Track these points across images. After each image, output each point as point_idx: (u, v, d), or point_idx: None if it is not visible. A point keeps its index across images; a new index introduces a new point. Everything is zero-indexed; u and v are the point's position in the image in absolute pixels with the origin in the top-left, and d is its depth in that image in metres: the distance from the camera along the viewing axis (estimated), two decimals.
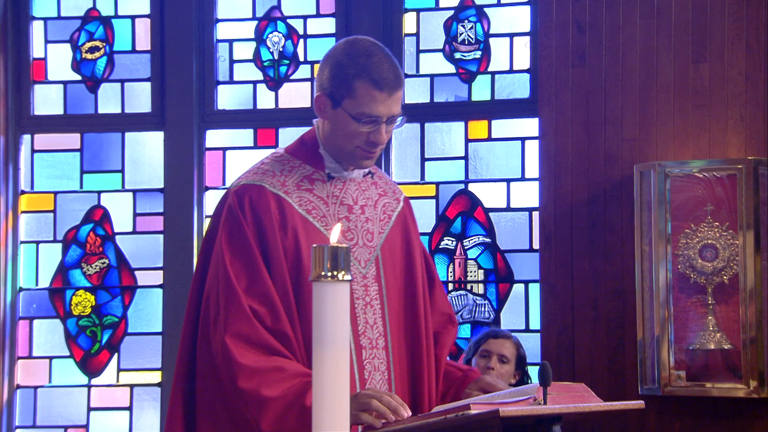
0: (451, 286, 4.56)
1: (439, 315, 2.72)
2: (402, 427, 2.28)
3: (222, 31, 4.84)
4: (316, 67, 4.73)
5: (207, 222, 4.78)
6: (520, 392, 2.34)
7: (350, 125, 2.52)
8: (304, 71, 4.78)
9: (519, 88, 4.60)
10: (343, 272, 1.47)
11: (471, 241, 4.56)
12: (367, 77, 2.50)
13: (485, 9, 4.63)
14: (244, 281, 2.44)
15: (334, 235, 1.54)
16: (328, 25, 4.75)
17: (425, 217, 4.52)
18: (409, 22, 4.66)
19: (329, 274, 1.47)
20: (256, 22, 4.81)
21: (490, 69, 4.62)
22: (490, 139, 4.62)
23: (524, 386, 2.46)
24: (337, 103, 2.52)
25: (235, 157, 4.82)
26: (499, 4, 4.64)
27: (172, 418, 2.53)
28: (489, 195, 4.59)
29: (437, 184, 4.62)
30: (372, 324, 2.57)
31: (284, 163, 2.62)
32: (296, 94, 4.79)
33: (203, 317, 2.47)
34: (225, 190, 4.73)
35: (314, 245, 1.47)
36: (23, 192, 4.89)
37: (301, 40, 4.78)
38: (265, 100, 4.81)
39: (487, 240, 4.57)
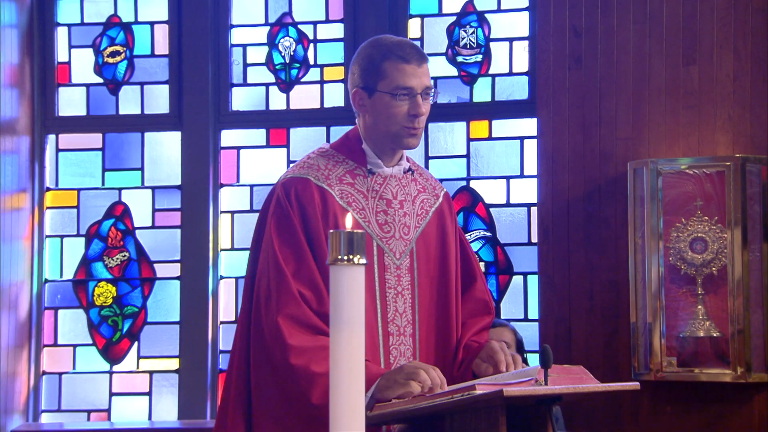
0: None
1: (474, 302, 2.75)
2: (412, 407, 2.30)
3: (236, 36, 4.84)
4: (326, 70, 4.85)
5: (222, 217, 4.81)
6: (523, 374, 2.36)
7: (389, 105, 2.58)
8: (314, 74, 4.78)
9: (518, 89, 4.60)
10: (358, 256, 1.48)
11: (472, 235, 4.55)
12: (393, 56, 2.59)
13: (486, 15, 4.63)
14: (292, 266, 2.50)
15: (348, 223, 1.55)
16: (337, 30, 4.76)
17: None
18: (413, 28, 4.67)
19: (345, 258, 1.48)
20: (268, 28, 4.82)
21: (490, 72, 4.62)
22: (490, 138, 4.62)
23: (526, 368, 2.47)
24: (372, 91, 2.60)
25: (248, 156, 4.82)
26: (499, 10, 4.63)
27: (226, 395, 2.57)
28: (489, 191, 4.59)
29: (440, 181, 4.59)
30: (402, 312, 2.61)
31: (329, 157, 2.67)
32: (307, 96, 4.79)
33: (255, 299, 2.52)
34: (240, 187, 4.83)
35: (331, 231, 1.49)
36: (48, 189, 4.89)
37: (311, 45, 4.78)
38: (277, 101, 4.81)
39: (488, 234, 4.57)
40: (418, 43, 4.63)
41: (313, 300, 2.48)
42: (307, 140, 4.76)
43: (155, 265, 4.83)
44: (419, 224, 2.69)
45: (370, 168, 2.66)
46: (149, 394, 4.79)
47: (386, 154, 2.67)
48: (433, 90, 2.64)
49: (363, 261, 1.50)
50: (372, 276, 2.60)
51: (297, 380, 2.41)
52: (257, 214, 4.70)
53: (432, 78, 4.50)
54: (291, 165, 2.78)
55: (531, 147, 4.51)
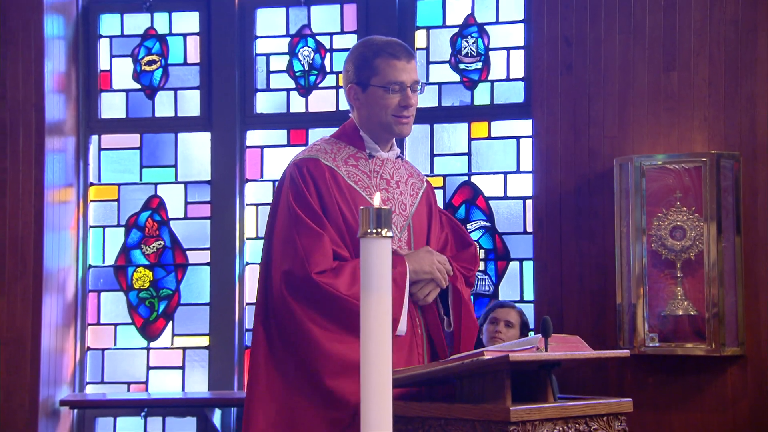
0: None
1: (469, 256, 2.82)
2: (427, 371, 2.32)
3: (260, 46, 4.84)
4: (341, 76, 4.83)
5: (248, 209, 4.81)
6: (525, 342, 2.39)
7: (382, 98, 2.59)
8: (330, 80, 4.78)
9: (515, 94, 4.58)
10: (385, 230, 1.50)
11: (473, 225, 4.55)
12: (384, 53, 2.61)
13: (485, 26, 4.62)
14: (317, 227, 2.52)
15: (377, 200, 1.57)
16: (351, 40, 4.72)
17: None
18: (420, 38, 4.67)
19: (374, 231, 1.50)
20: (289, 39, 4.81)
21: (489, 78, 4.61)
22: (489, 138, 4.60)
23: (528, 337, 2.50)
24: (365, 86, 2.61)
25: (271, 154, 4.82)
26: (497, 22, 4.62)
27: (255, 342, 2.57)
28: (489, 186, 4.59)
29: (444, 176, 4.62)
30: None
31: (332, 144, 2.69)
32: (324, 100, 4.79)
33: (288, 254, 2.49)
34: (263, 182, 4.84)
35: (362, 207, 1.51)
36: (92, 184, 4.90)
37: (328, 54, 4.77)
38: (297, 105, 4.80)
39: (487, 224, 4.56)
40: (423, 53, 4.69)
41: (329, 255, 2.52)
42: None
43: (187, 252, 4.84)
44: (413, 203, 2.73)
45: (369, 152, 2.67)
46: (182, 368, 4.80)
47: (381, 142, 2.69)
48: (420, 83, 2.66)
49: (390, 234, 1.51)
50: None
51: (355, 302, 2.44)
52: None
53: (436, 83, 4.66)
54: (301, 151, 2.75)
55: (526, 145, 4.49)
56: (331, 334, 2.44)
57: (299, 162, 2.62)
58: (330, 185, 2.57)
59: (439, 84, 4.65)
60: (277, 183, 2.69)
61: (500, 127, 4.60)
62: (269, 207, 2.71)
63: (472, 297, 4.53)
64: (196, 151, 4.89)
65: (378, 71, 2.59)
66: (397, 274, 2.49)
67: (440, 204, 4.58)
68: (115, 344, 4.85)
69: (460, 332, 2.62)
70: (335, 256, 2.51)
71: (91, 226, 4.89)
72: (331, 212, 2.55)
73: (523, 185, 4.53)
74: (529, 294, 4.45)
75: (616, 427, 2.35)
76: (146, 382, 4.82)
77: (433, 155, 4.65)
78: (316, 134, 4.76)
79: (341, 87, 4.78)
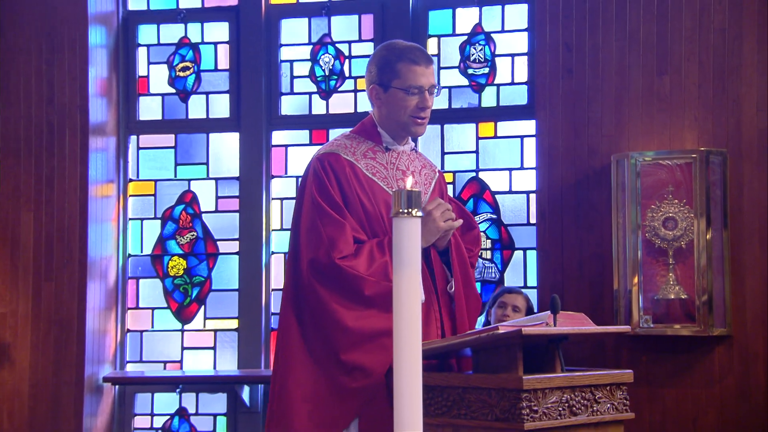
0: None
1: (473, 238, 2.82)
2: (445, 344, 2.33)
3: (284, 53, 4.84)
4: (359, 81, 4.84)
5: (273, 203, 4.80)
6: (535, 318, 2.39)
7: (402, 99, 2.59)
8: (349, 84, 4.77)
9: (519, 96, 4.57)
10: (416, 210, 1.51)
11: (481, 217, 4.54)
12: (406, 58, 2.60)
13: (492, 34, 4.60)
14: (334, 214, 2.53)
15: (409, 183, 1.58)
16: (368, 48, 4.73)
17: None
18: (431, 45, 4.66)
19: (405, 211, 1.51)
20: (311, 46, 4.81)
21: (495, 81, 4.59)
22: (496, 137, 4.58)
23: (538, 314, 2.50)
24: (387, 87, 2.60)
25: (294, 153, 4.81)
26: (503, 31, 4.61)
27: (285, 322, 2.57)
28: (495, 181, 4.57)
29: (454, 172, 4.61)
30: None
31: (352, 139, 2.70)
32: (343, 103, 4.78)
33: (313, 242, 2.51)
34: (287, 178, 4.85)
35: (394, 190, 1.52)
36: (131, 180, 4.92)
37: (347, 60, 4.77)
38: (318, 107, 4.80)
39: (494, 216, 4.55)
40: (435, 59, 4.69)
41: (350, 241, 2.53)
42: None
43: (218, 242, 4.83)
44: (427, 191, 2.74)
45: (386, 146, 2.68)
46: (214, 348, 4.81)
47: (397, 138, 2.70)
48: (437, 87, 2.67)
49: (419, 214, 1.53)
50: None
51: (378, 280, 2.47)
52: None
53: (446, 87, 4.66)
54: (322, 146, 2.76)
55: (530, 144, 4.48)
56: (352, 312, 2.46)
57: (321, 157, 2.62)
58: (350, 177, 2.58)
59: (449, 88, 4.64)
60: (301, 176, 2.69)
61: (505, 127, 4.59)
62: (294, 199, 2.73)
63: (479, 284, 4.60)
64: (225, 150, 4.89)
65: (399, 75, 2.59)
66: None
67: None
68: (152, 327, 4.86)
69: (460, 289, 2.63)
70: (355, 241, 2.53)
71: (130, 219, 4.90)
72: (352, 202, 2.56)
73: (527, 180, 4.51)
74: (532, 280, 4.44)
75: (618, 396, 2.36)
76: (181, 361, 4.83)
77: (443, 153, 4.64)
78: (336, 134, 4.64)
79: (359, 91, 4.81)
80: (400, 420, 1.49)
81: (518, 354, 2.22)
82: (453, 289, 2.62)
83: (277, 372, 2.59)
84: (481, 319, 4.47)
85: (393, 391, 2.38)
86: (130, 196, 4.92)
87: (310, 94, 4.81)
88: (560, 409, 2.21)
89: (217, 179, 4.87)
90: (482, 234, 4.57)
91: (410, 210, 1.51)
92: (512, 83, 4.59)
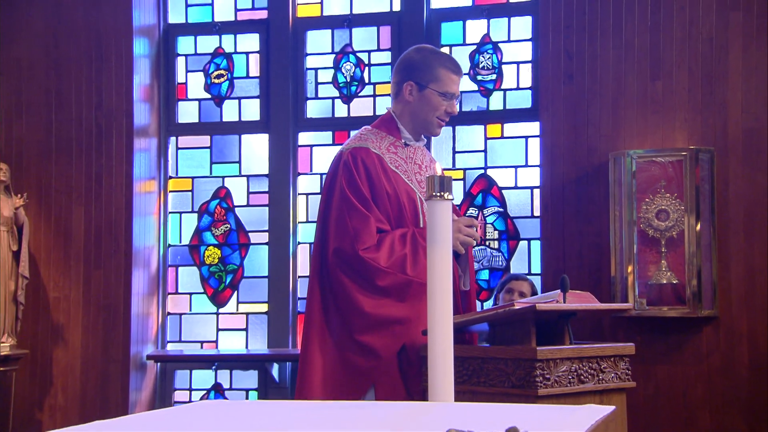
0: (474, 244, 4.55)
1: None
2: (465, 320, 2.35)
3: (310, 61, 4.84)
4: (378, 87, 4.84)
5: (300, 198, 4.80)
6: (547, 296, 2.42)
7: (436, 101, 2.57)
8: (368, 90, 4.77)
9: (524, 100, 4.56)
10: (447, 193, 1.54)
11: (489, 211, 4.54)
12: (447, 66, 2.59)
13: (499, 44, 4.60)
14: (362, 206, 2.53)
15: (438, 169, 1.60)
16: (386, 57, 4.75)
17: (455, 194, 4.49)
18: None
19: (438, 194, 1.54)
20: (334, 55, 4.81)
21: (502, 87, 4.58)
22: (502, 137, 4.58)
23: (550, 292, 2.52)
24: (423, 87, 2.56)
25: (319, 152, 4.81)
26: (509, 40, 4.60)
27: (311, 304, 2.57)
28: (502, 177, 4.56)
29: (464, 170, 4.60)
30: None
31: (375, 134, 2.67)
32: (363, 107, 4.78)
33: (339, 232, 2.51)
34: (312, 175, 4.84)
35: (428, 175, 1.55)
36: (170, 177, 4.93)
37: (367, 68, 4.77)
38: (340, 111, 4.80)
39: (501, 210, 4.54)
40: None
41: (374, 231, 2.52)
42: None
43: (250, 233, 4.84)
44: None
45: (405, 141, 2.65)
46: (246, 329, 4.82)
47: (415, 134, 2.67)
48: (459, 96, 2.68)
49: (450, 197, 1.56)
50: (417, 214, 2.61)
51: (397, 271, 2.47)
52: None
53: None
54: (348, 139, 2.70)
55: (534, 144, 4.47)
56: (370, 300, 2.45)
57: (353, 150, 2.59)
58: (378, 170, 2.56)
59: (460, 92, 4.64)
60: (331, 165, 2.66)
61: (511, 128, 4.57)
62: (323, 188, 2.67)
63: (487, 271, 4.61)
64: (256, 150, 4.90)
65: (438, 79, 2.56)
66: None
67: (460, 193, 4.64)
68: (190, 310, 4.88)
69: (472, 289, 2.65)
70: (379, 231, 2.52)
71: (170, 212, 4.92)
72: (379, 193, 2.55)
73: (531, 177, 4.51)
74: (536, 268, 4.43)
75: (621, 366, 2.39)
76: (216, 341, 4.84)
77: (455, 152, 4.63)
78: None
79: (378, 95, 4.79)
80: (434, 390, 1.50)
81: (532, 328, 2.24)
82: (468, 287, 2.63)
83: (303, 349, 2.62)
84: (490, 303, 4.49)
85: (404, 366, 2.41)
86: (170, 191, 4.93)
87: (333, 98, 4.82)
88: (570, 377, 2.23)
89: (248, 176, 4.88)
90: (490, 225, 4.60)
91: (443, 193, 1.55)
92: (517, 88, 4.58)
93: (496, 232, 4.56)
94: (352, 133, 4.70)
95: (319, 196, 4.68)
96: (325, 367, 2.50)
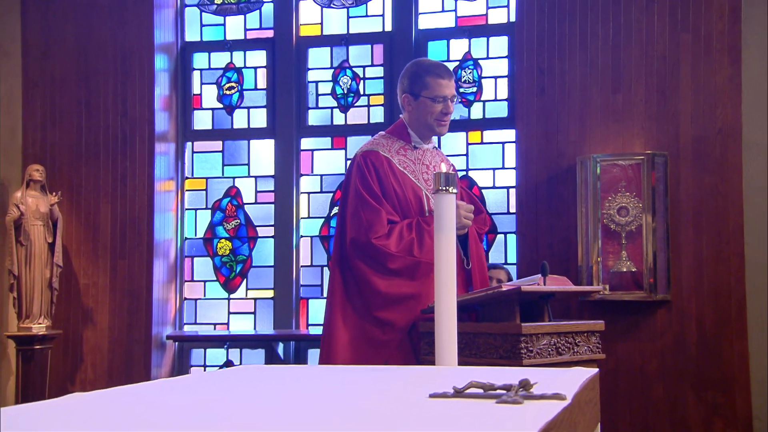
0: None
1: (481, 220, 2.85)
2: (460, 299, 2.39)
3: (311, 75, 4.84)
4: (372, 98, 4.84)
5: (302, 196, 4.80)
6: (530, 280, 2.46)
7: (430, 106, 2.60)
8: (363, 101, 4.76)
9: (501, 110, 4.58)
10: (451, 187, 1.60)
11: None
12: (433, 73, 2.61)
13: (479, 61, 4.61)
14: (374, 202, 2.56)
15: (444, 168, 1.66)
16: (379, 71, 4.76)
17: None
18: None
19: (444, 188, 1.60)
20: (332, 70, 4.82)
21: (482, 98, 4.60)
22: (482, 143, 4.59)
23: (530, 277, 2.57)
24: (417, 96, 2.61)
25: (319, 155, 4.82)
26: (488, 58, 4.61)
27: (333, 286, 2.60)
28: (482, 178, 4.58)
29: None
30: None
31: (387, 138, 2.71)
32: (358, 116, 4.78)
33: (355, 224, 2.55)
34: (313, 176, 4.84)
35: (435, 172, 1.60)
36: (187, 178, 4.93)
37: (362, 81, 4.78)
38: (338, 119, 4.81)
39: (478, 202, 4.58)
40: None
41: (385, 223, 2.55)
42: (358, 145, 4.59)
43: (257, 228, 4.84)
44: None
45: (414, 144, 2.67)
46: (254, 313, 4.82)
47: (423, 137, 2.69)
48: (456, 96, 2.68)
49: (455, 191, 1.62)
50: (423, 208, 2.64)
51: (382, 251, 2.50)
52: (326, 194, 4.77)
53: None
54: (364, 143, 2.75)
55: (510, 148, 4.49)
56: (383, 280, 2.49)
57: (365, 154, 2.63)
58: (386, 171, 2.60)
59: (456, 92, 4.57)
60: (348, 167, 2.71)
61: (490, 135, 4.58)
62: (342, 187, 2.71)
63: (486, 253, 4.63)
64: (263, 153, 4.90)
65: (428, 86, 2.59)
66: (433, 228, 2.54)
67: None
68: (204, 296, 4.88)
69: (476, 267, 2.68)
70: (389, 222, 2.55)
71: (186, 209, 4.92)
72: (388, 191, 2.58)
73: (508, 178, 4.51)
74: (512, 258, 4.46)
75: (593, 341, 2.45)
76: (227, 324, 4.84)
77: None
78: (353, 141, 4.78)
79: (372, 106, 4.79)
80: (440, 356, 1.56)
81: (516, 307, 2.28)
82: (470, 266, 2.66)
83: (326, 323, 2.64)
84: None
85: (415, 339, 2.46)
86: (187, 190, 4.93)
87: (331, 108, 4.82)
88: (549, 349, 2.28)
89: (256, 177, 4.87)
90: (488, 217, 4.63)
91: (448, 188, 1.61)
92: (495, 100, 4.59)
93: None
94: (348, 139, 4.89)
95: (319, 194, 4.81)
96: (351, 340, 2.54)
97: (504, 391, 0.96)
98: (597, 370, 1.27)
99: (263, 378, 1.29)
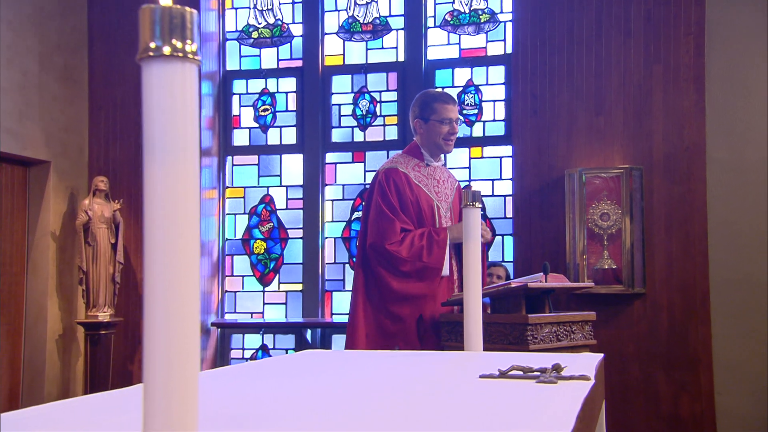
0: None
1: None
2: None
3: (334, 99, 4.87)
4: (387, 118, 4.86)
5: (326, 203, 4.82)
6: (532, 278, 2.51)
7: (438, 128, 2.66)
8: (379, 121, 4.78)
9: (499, 129, 4.59)
10: (477, 203, 1.67)
11: None
12: (440, 100, 2.68)
13: (480, 86, 4.64)
14: (391, 216, 2.59)
15: (463, 185, 1.72)
16: (393, 95, 4.78)
17: None
18: None
19: (471, 203, 1.67)
20: (353, 94, 4.84)
21: (482, 119, 4.62)
22: (483, 157, 4.61)
23: (533, 275, 2.62)
24: (426, 120, 2.67)
25: (341, 168, 4.83)
26: (487, 84, 4.64)
27: (356, 283, 2.65)
28: (482, 188, 4.57)
29: None
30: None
31: (404, 157, 2.76)
32: (375, 134, 4.79)
33: (373, 231, 2.59)
34: (336, 186, 4.85)
35: (462, 188, 1.66)
36: (227, 187, 4.95)
37: (378, 104, 4.80)
38: (358, 136, 4.83)
39: (482, 212, 4.57)
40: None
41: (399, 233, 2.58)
42: (375, 159, 4.77)
43: (288, 230, 4.86)
44: (450, 195, 2.79)
45: (426, 162, 2.72)
46: (285, 303, 4.83)
47: (434, 156, 2.73)
48: (460, 118, 2.78)
49: (479, 206, 1.68)
50: (434, 217, 2.69)
51: (414, 259, 2.53)
52: (348, 201, 4.81)
53: None
54: (385, 161, 2.83)
55: (507, 162, 4.51)
56: (397, 282, 2.54)
57: (387, 171, 2.68)
58: (404, 185, 2.64)
59: (459, 116, 4.53)
60: (372, 181, 2.76)
61: (490, 150, 4.57)
62: (365, 198, 2.74)
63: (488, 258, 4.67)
64: (293, 166, 4.92)
65: (435, 111, 2.66)
66: (441, 239, 2.58)
67: None
68: (242, 288, 4.90)
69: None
70: (404, 230, 2.59)
71: (227, 214, 4.94)
72: (405, 203, 2.63)
73: (505, 187, 4.52)
74: (509, 257, 4.47)
75: (587, 329, 2.50)
76: (263, 312, 4.87)
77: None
78: (372, 156, 4.79)
79: (388, 125, 4.79)
80: (469, 342, 1.63)
81: (523, 301, 2.34)
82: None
83: (351, 314, 2.70)
84: None
85: (421, 331, 2.52)
86: (227, 198, 4.96)
87: (352, 127, 4.83)
88: (551, 336, 2.33)
89: (287, 186, 4.89)
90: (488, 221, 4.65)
91: (474, 203, 1.69)
92: (494, 120, 4.59)
93: None
94: (367, 154, 4.92)
95: (342, 201, 4.86)
96: (368, 330, 2.60)
97: (539, 373, 1.04)
98: (603, 355, 1.35)
99: (334, 361, 1.37)
